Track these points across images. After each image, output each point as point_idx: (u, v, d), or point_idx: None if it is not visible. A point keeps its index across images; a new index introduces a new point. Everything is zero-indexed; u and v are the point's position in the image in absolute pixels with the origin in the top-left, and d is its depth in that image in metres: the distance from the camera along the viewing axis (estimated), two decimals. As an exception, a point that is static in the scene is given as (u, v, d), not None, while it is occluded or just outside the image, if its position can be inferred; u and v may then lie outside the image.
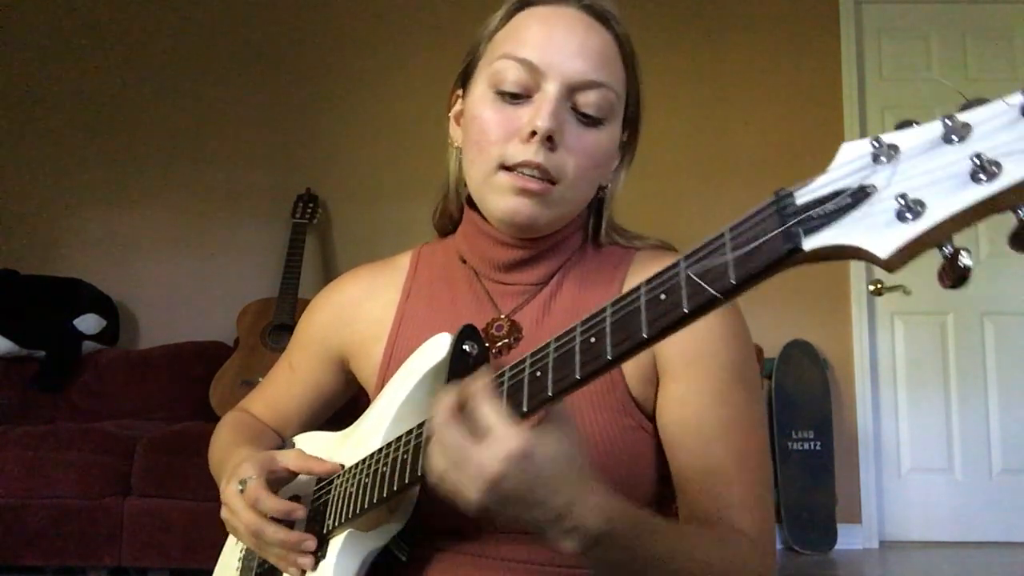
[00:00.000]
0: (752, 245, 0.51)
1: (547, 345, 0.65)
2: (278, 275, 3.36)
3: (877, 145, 0.48)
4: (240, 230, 3.69)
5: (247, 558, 0.97)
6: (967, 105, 0.46)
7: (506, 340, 0.89)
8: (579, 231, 0.94)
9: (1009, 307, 3.56)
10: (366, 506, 0.79)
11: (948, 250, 0.46)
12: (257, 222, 3.68)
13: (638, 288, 0.59)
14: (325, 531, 0.84)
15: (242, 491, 0.83)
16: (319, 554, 0.84)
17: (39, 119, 3.74)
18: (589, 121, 0.85)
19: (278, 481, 0.87)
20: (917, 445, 3.61)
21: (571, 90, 0.84)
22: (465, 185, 0.94)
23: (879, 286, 3.53)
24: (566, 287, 0.91)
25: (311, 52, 3.78)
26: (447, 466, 0.64)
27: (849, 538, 3.44)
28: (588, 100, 0.84)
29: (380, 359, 0.95)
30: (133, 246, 3.68)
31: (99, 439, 2.69)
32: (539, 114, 0.82)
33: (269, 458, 0.86)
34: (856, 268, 3.60)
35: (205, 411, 3.06)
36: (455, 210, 0.98)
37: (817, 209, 0.49)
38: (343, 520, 0.82)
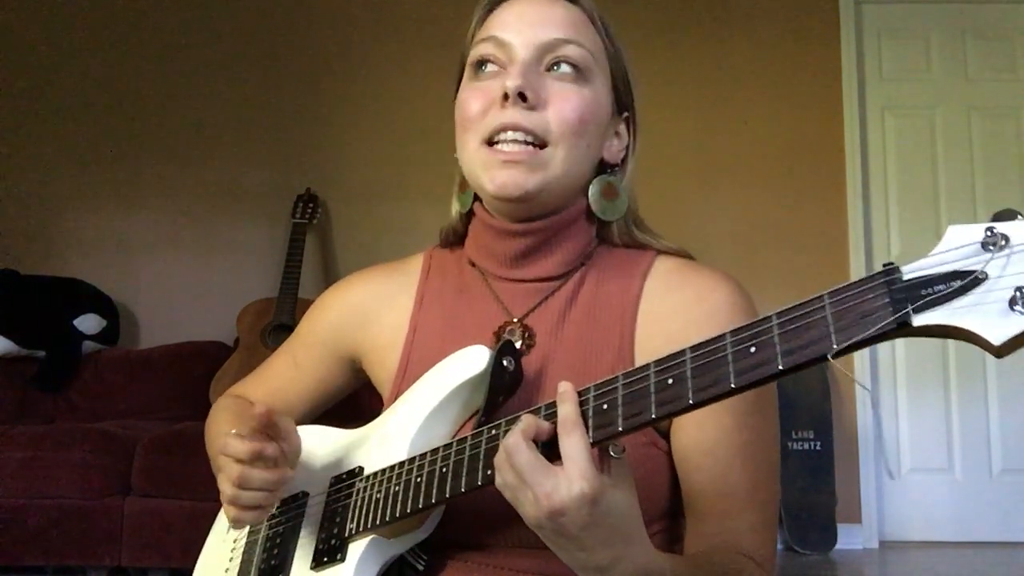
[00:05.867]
0: (859, 315, 0.53)
1: (615, 379, 0.66)
2: (278, 275, 3.36)
3: (990, 234, 0.51)
4: (240, 230, 3.69)
5: (247, 551, 0.95)
6: None
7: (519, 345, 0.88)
8: (583, 215, 0.90)
9: (1009, 307, 3.56)
10: (396, 515, 0.79)
11: None
12: (257, 222, 3.68)
13: (722, 337, 0.60)
14: (347, 534, 0.83)
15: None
16: (338, 556, 0.83)
17: (39, 119, 3.74)
18: (566, 76, 0.86)
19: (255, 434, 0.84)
20: (917, 445, 3.61)
21: (541, 52, 0.86)
22: (465, 192, 0.94)
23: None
24: (581, 297, 0.89)
25: (311, 52, 3.78)
26: (514, 483, 0.66)
27: (849, 538, 3.44)
28: (560, 57, 0.86)
29: (395, 367, 0.95)
30: (133, 246, 3.68)
31: (99, 439, 2.69)
32: (509, 76, 0.84)
33: (245, 407, 0.88)
34: (856, 268, 3.60)
35: (205, 411, 3.03)
36: (460, 225, 0.97)
37: (929, 288, 0.51)
38: (368, 526, 0.81)
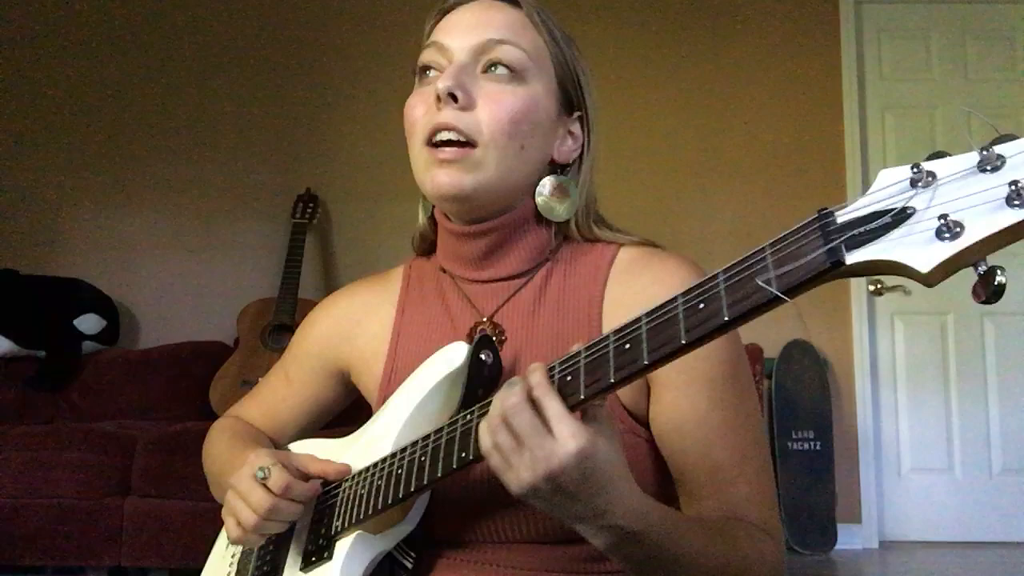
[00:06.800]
0: (796, 258, 0.55)
1: (578, 352, 0.67)
2: (278, 275, 3.36)
3: (916, 171, 0.52)
4: (240, 230, 3.69)
5: (243, 561, 0.96)
6: (999, 139, 0.51)
7: None
8: (534, 213, 0.91)
9: (1009, 307, 3.55)
10: (379, 507, 0.80)
11: (983, 268, 0.50)
12: (257, 222, 3.68)
13: (674, 299, 0.62)
14: (333, 532, 0.84)
15: (264, 478, 0.82)
16: (325, 555, 0.84)
17: (39, 119, 3.74)
18: (501, 77, 0.86)
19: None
20: (917, 445, 3.61)
21: (476, 54, 0.87)
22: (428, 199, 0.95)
23: (879, 286, 3.54)
24: (549, 291, 0.91)
25: (311, 52, 3.78)
26: (509, 445, 0.66)
27: (849, 538, 3.44)
28: (494, 58, 0.87)
29: (380, 375, 0.97)
30: (133, 246, 3.69)
31: (99, 439, 2.69)
32: (441, 78, 0.85)
33: (284, 455, 0.88)
34: (856, 268, 3.60)
35: (205, 411, 3.06)
36: (429, 232, 0.99)
37: (859, 227, 0.53)
38: (353, 521, 0.82)
